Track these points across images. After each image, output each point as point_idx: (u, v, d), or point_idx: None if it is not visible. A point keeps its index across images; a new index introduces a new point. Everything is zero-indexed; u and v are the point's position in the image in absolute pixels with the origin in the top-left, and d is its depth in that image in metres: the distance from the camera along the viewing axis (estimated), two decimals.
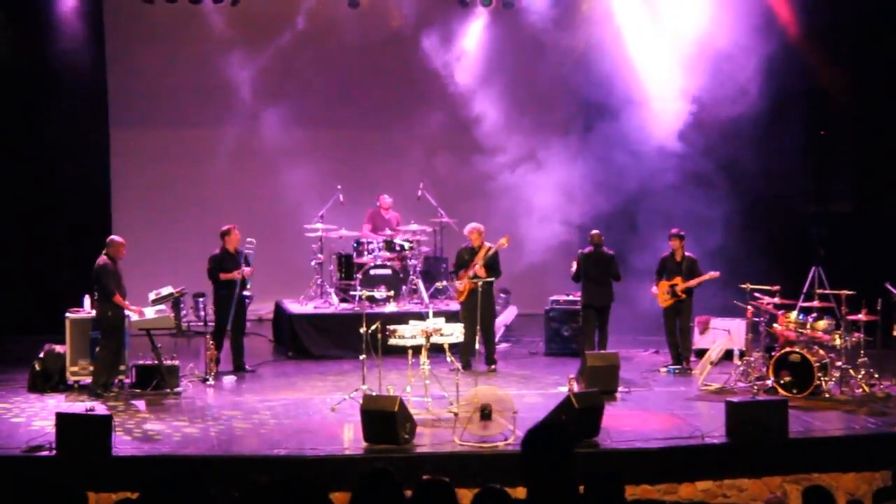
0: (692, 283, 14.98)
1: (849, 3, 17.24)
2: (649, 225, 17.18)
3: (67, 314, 14.05)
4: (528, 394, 13.39)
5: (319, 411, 12.57)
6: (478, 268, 14.84)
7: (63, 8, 17.32)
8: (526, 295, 18.20)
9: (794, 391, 12.96)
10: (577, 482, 4.72)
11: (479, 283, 14.29)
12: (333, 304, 16.76)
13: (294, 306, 16.85)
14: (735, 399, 11.83)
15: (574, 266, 15.10)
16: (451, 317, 14.34)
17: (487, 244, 15.09)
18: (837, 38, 17.36)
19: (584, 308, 15.05)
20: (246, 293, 15.11)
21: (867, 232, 17.03)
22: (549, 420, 10.35)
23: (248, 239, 15.19)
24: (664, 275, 15.16)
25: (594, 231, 15.46)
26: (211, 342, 14.43)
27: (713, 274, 14.91)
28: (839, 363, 13.39)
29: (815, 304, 13.90)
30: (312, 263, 17.27)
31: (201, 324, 17.84)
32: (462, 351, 14.39)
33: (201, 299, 18.06)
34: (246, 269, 14.88)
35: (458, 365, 13.69)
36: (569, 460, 4.55)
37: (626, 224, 17.54)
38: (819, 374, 13.01)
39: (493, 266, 14.97)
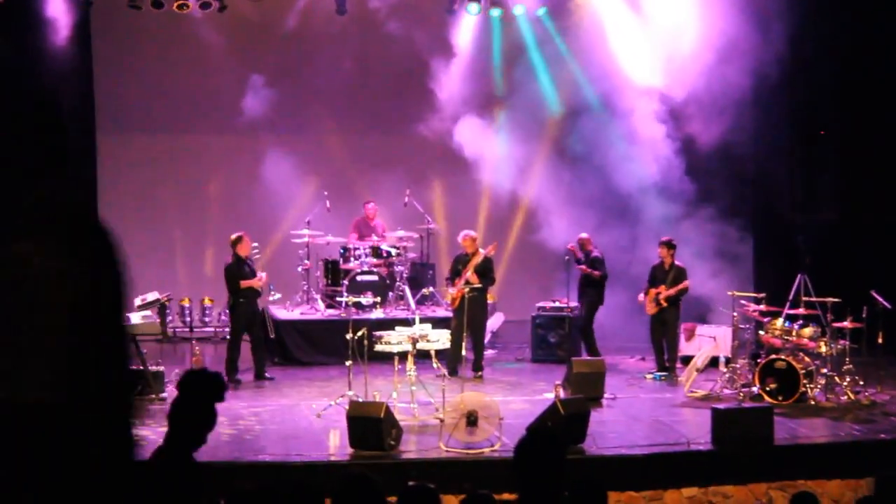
0: (671, 291, 15.03)
1: (837, 12, 17.26)
2: (636, 233, 17.23)
3: None
4: (515, 400, 13.37)
5: (305, 417, 12.56)
6: (469, 274, 14.86)
7: (49, 13, 17.22)
8: (512, 301, 18.21)
9: (780, 398, 12.98)
10: (562, 488, 4.76)
11: (467, 290, 14.35)
12: (320, 311, 16.74)
13: (281, 312, 16.81)
14: (721, 406, 11.82)
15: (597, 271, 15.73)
16: (437, 323, 14.33)
17: (482, 251, 15.12)
18: (825, 46, 17.38)
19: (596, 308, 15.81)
20: (273, 297, 15.32)
21: (853, 240, 17.05)
22: (542, 426, 10.36)
23: (253, 244, 15.14)
24: (653, 283, 15.22)
25: (584, 235, 15.91)
26: (197, 348, 14.40)
27: (686, 284, 15.11)
28: (824, 370, 13.40)
29: (801, 311, 13.90)
30: (299, 269, 17.26)
31: (187, 329, 17.80)
32: (449, 357, 14.38)
33: (187, 305, 18.02)
34: (263, 276, 14.83)
35: (445, 371, 13.68)
36: (561, 466, 4.59)
37: (615, 231, 17.55)
38: (804, 382, 13.04)
39: (484, 273, 14.99)
